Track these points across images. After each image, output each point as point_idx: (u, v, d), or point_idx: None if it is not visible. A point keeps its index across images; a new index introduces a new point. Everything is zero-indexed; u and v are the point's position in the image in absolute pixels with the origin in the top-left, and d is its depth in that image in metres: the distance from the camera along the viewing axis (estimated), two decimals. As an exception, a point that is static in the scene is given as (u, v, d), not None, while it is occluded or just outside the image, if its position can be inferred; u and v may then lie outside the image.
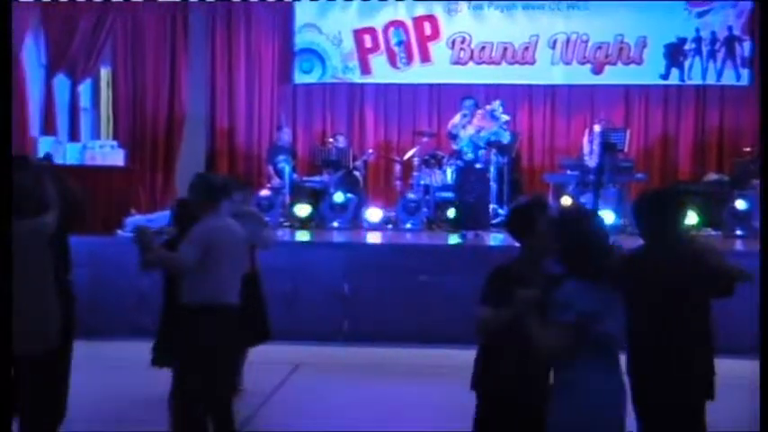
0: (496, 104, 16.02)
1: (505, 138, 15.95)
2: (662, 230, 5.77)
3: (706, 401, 5.76)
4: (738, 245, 14.37)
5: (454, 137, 16.09)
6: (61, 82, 16.14)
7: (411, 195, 15.88)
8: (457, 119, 16.21)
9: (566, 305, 4.84)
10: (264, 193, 16.15)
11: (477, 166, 15.48)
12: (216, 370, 6.96)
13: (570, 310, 4.82)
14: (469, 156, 15.54)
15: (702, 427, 5.75)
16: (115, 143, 15.72)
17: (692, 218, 14.82)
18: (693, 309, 5.70)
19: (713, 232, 15.16)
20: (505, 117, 16.10)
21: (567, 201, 15.13)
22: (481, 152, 15.55)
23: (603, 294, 4.98)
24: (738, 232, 14.85)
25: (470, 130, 15.70)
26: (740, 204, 15.10)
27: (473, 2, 17.96)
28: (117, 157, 15.15)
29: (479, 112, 15.86)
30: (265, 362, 10.52)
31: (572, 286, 4.92)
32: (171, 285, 7.59)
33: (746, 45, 17.63)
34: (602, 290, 4.99)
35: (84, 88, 16.81)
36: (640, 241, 5.94)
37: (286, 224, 15.64)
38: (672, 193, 6.78)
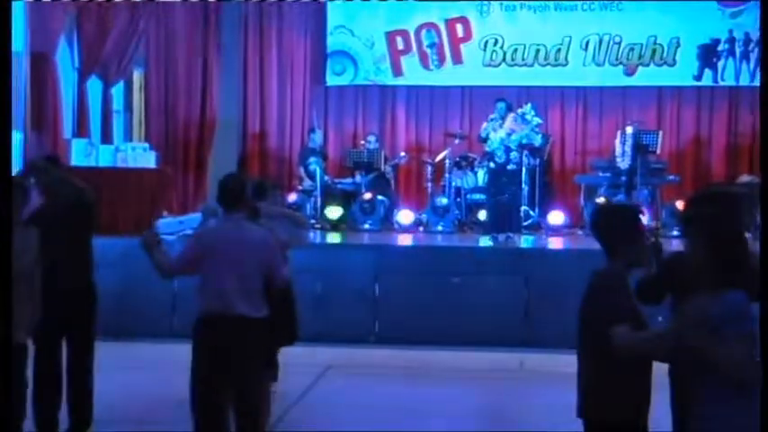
0: (527, 108, 15.94)
1: (537, 140, 15.90)
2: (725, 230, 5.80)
3: None
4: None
5: (485, 139, 16.06)
6: (94, 84, 16.19)
7: (442, 197, 15.87)
8: (488, 122, 16.18)
9: (739, 317, 4.35)
10: (296, 195, 16.20)
11: (509, 168, 15.44)
12: (237, 381, 6.71)
13: (745, 321, 4.35)
14: (501, 158, 15.51)
15: None
16: (147, 145, 15.73)
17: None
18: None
19: (746, 234, 15.03)
20: (537, 120, 16.02)
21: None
22: (513, 154, 15.50)
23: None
24: (770, 235, 14.72)
25: (501, 132, 15.66)
26: (774, 206, 14.98)
27: (505, 3, 17.92)
28: (149, 160, 15.18)
29: (511, 115, 15.80)
30: (296, 363, 10.54)
31: (739, 295, 4.41)
32: None
33: (781, 45, 17.51)
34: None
35: (116, 91, 16.86)
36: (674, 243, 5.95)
37: (317, 226, 15.66)
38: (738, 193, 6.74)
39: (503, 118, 15.86)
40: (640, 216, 5.23)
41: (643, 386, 4.90)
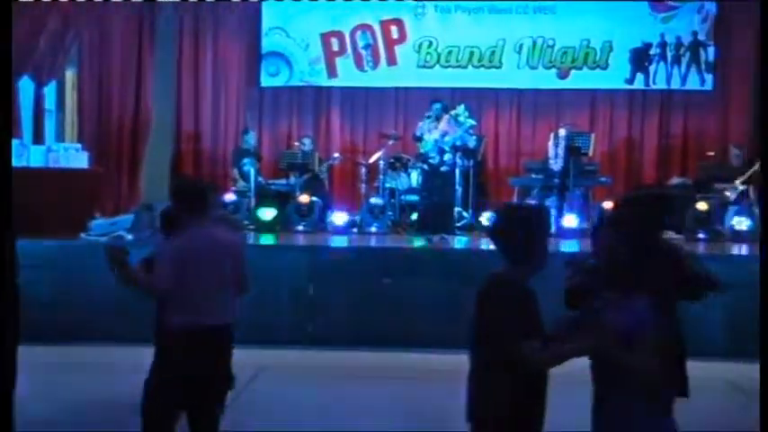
0: (460, 109, 16.04)
1: (471, 142, 15.99)
2: (646, 233, 5.98)
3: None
4: (701, 248, 14.50)
5: (419, 139, 16.13)
6: (26, 84, 16.03)
7: (376, 199, 15.89)
8: (424, 122, 16.25)
9: (647, 324, 4.44)
10: (230, 196, 16.15)
11: (443, 169, 15.53)
12: (211, 389, 6.64)
13: (655, 328, 4.46)
14: (434, 159, 15.59)
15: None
16: (79, 146, 15.61)
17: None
18: (666, 310, 5.89)
19: (676, 235, 15.25)
20: (470, 122, 16.12)
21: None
22: (446, 156, 15.59)
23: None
24: (701, 235, 14.98)
25: (435, 134, 15.74)
26: (703, 207, 15.24)
27: (440, 5, 18.00)
28: (81, 160, 15.05)
29: (445, 116, 15.88)
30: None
31: (646, 302, 4.51)
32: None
33: (711, 50, 17.78)
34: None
35: (48, 90, 16.70)
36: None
37: (251, 227, 15.61)
38: (658, 196, 6.94)
39: (438, 119, 15.94)
40: (546, 217, 5.02)
41: (539, 392, 4.77)
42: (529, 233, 4.74)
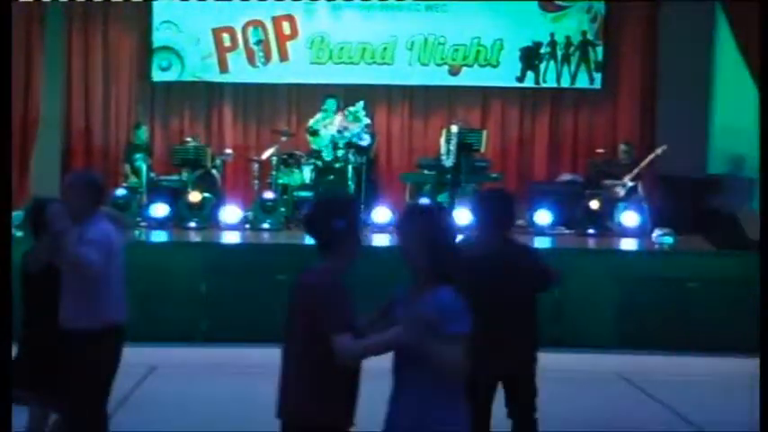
0: (359, 106, 16.08)
1: (366, 139, 16.02)
2: (493, 227, 6.26)
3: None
4: (591, 243, 14.76)
5: (314, 133, 16.13)
6: None
7: (268, 195, 15.82)
8: (318, 117, 16.25)
9: (454, 315, 4.42)
10: (121, 192, 15.96)
11: (338, 166, 15.55)
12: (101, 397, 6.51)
13: (462, 320, 4.44)
14: (329, 156, 15.60)
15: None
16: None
17: (545, 217, 15.14)
18: (516, 300, 6.28)
19: (566, 231, 15.49)
20: (366, 120, 16.18)
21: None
22: (340, 152, 15.62)
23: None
24: (591, 231, 15.24)
25: (332, 129, 15.77)
26: (593, 204, 15.50)
27: (331, 2, 18.00)
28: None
29: (342, 112, 15.92)
30: (122, 364, 10.40)
31: (450, 293, 4.49)
32: (36, 302, 6.77)
33: (599, 49, 18.03)
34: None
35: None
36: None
37: (143, 224, 15.45)
38: (499, 193, 7.21)
39: (333, 113, 15.98)
40: (358, 209, 5.02)
41: (351, 389, 4.75)
42: (341, 225, 4.74)
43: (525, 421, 6.44)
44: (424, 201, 15.16)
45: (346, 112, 15.97)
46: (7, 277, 5.73)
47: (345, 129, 15.73)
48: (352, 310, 4.66)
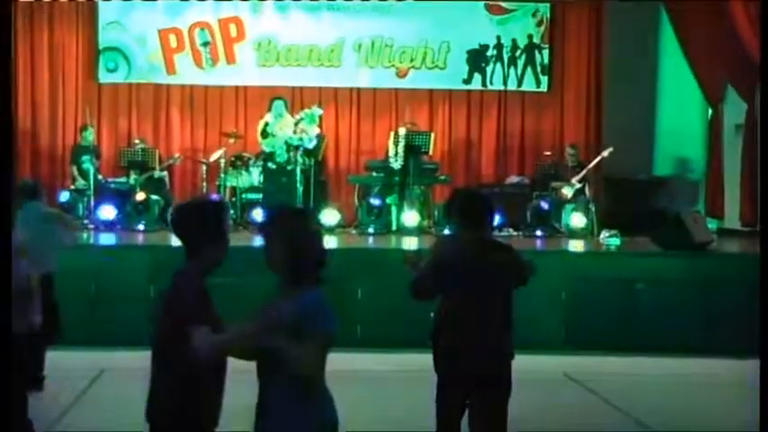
0: (315, 110, 16.09)
1: (313, 141, 15.97)
2: (473, 226, 6.35)
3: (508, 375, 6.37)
4: (539, 244, 14.86)
5: (266, 135, 16.11)
6: None
7: (216, 196, 15.77)
8: (269, 119, 16.21)
9: (315, 316, 4.37)
10: (67, 194, 15.87)
11: (289, 168, 15.54)
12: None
13: (322, 321, 4.39)
14: (282, 157, 15.60)
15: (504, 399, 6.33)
16: None
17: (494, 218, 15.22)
18: (495, 296, 6.36)
19: (514, 232, 15.58)
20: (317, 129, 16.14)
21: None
22: (291, 154, 15.60)
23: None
24: (539, 232, 15.37)
25: (286, 131, 15.76)
26: (541, 205, 15.63)
27: (278, 3, 17.97)
28: None
29: (294, 115, 15.91)
30: (69, 368, 10.38)
31: (315, 296, 4.44)
32: None
33: (545, 53, 18.15)
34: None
35: None
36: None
37: (90, 226, 15.37)
38: (482, 194, 7.39)
39: (282, 116, 15.98)
40: (224, 212, 4.99)
41: (215, 390, 4.76)
42: (200, 227, 4.75)
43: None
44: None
45: (303, 115, 15.94)
46: (7, 277, 5.69)
47: (303, 132, 15.71)
48: (212, 312, 4.66)
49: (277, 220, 4.74)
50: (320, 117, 16.27)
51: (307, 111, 16.07)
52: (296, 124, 15.92)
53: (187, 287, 4.64)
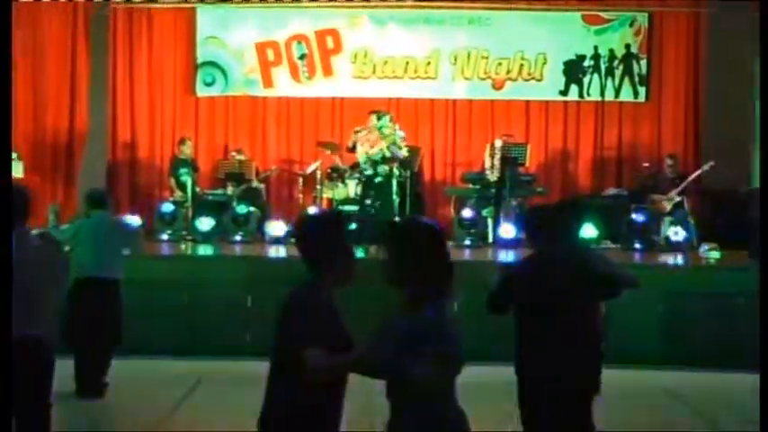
0: (385, 121, 16.02)
1: (402, 152, 15.92)
2: (551, 240, 6.29)
3: (594, 395, 6.17)
4: (636, 257, 14.68)
5: (352, 149, 16.18)
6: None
7: (313, 208, 15.86)
8: (353, 135, 16.27)
9: (436, 336, 4.18)
10: (167, 206, 16.06)
11: (378, 180, 15.54)
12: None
13: (443, 341, 4.19)
14: (368, 171, 15.60)
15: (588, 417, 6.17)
16: (15, 155, 15.46)
17: (591, 231, 15.08)
18: (579, 310, 6.14)
19: (612, 245, 15.42)
20: (400, 133, 16.04)
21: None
22: (380, 167, 15.56)
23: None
24: (637, 245, 15.16)
25: (366, 147, 15.79)
26: (638, 218, 15.44)
27: (374, 16, 18.02)
28: (16, 169, 14.93)
29: (370, 126, 15.91)
30: (167, 377, 10.49)
31: (438, 313, 4.26)
32: None
33: (643, 63, 17.95)
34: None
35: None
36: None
37: (188, 237, 15.54)
38: (560, 208, 7.33)
39: (369, 131, 15.97)
40: (344, 226, 4.86)
41: (331, 406, 4.60)
42: (328, 241, 4.61)
43: None
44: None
45: (371, 127, 15.94)
46: (7, 277, 5.72)
47: (374, 144, 15.71)
48: (334, 329, 4.49)
49: (403, 232, 4.58)
50: (393, 126, 16.13)
51: (377, 123, 15.92)
52: (373, 140, 15.89)
53: (316, 303, 4.50)
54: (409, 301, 4.33)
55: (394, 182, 15.62)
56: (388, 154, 15.66)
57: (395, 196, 15.57)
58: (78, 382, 9.84)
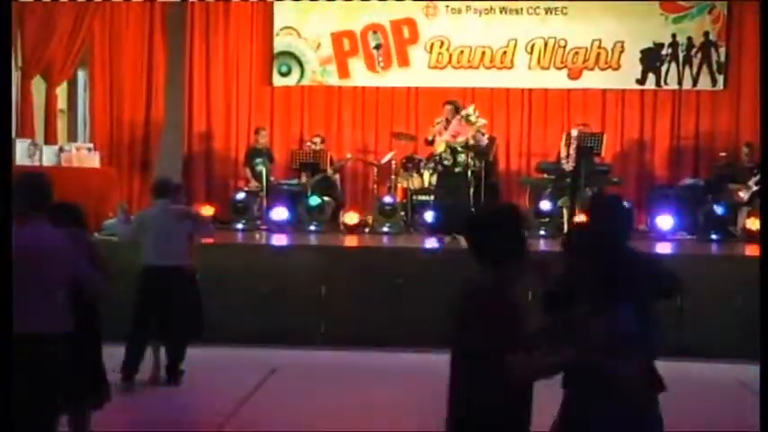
0: (470, 109, 15.98)
1: (483, 141, 15.94)
2: (609, 235, 6.14)
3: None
4: (714, 248, 14.50)
5: (431, 142, 16.12)
6: (37, 84, 16.05)
7: (388, 199, 15.88)
8: (434, 124, 16.22)
9: (632, 332, 4.22)
10: (241, 195, 16.17)
11: (457, 170, 15.50)
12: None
13: (644, 336, 4.26)
14: (448, 161, 15.56)
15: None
16: (91, 146, 15.67)
17: (667, 222, 14.93)
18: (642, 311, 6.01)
19: (688, 236, 15.25)
20: (482, 121, 16.06)
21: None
22: (460, 157, 15.54)
23: None
24: (713, 236, 14.96)
25: (447, 135, 15.73)
26: (717, 209, 15.24)
27: (451, 5, 17.96)
28: (93, 160, 15.11)
29: (456, 117, 15.84)
30: (242, 365, 10.57)
31: (630, 310, 4.28)
32: None
33: (722, 51, 17.70)
34: None
35: (60, 91, 16.72)
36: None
37: (263, 227, 15.64)
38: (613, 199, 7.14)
39: (448, 120, 15.90)
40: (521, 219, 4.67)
41: (525, 397, 4.47)
42: (507, 235, 4.47)
43: None
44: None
45: (460, 117, 15.88)
46: (8, 276, 5.63)
47: (458, 134, 15.65)
48: (521, 328, 4.37)
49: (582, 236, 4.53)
50: (477, 115, 16.06)
51: (463, 112, 15.86)
52: (455, 127, 15.84)
53: (511, 303, 4.38)
54: (599, 301, 4.30)
55: (470, 172, 15.57)
56: (471, 142, 15.63)
57: (471, 186, 15.53)
58: (154, 370, 10.00)
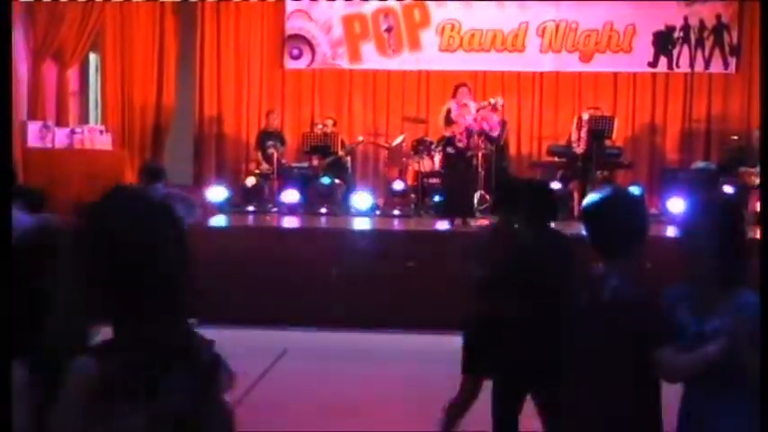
0: (500, 98, 15.89)
1: (496, 132, 15.85)
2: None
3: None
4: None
5: (448, 121, 16.05)
6: (49, 67, 16.07)
7: (398, 181, 15.88)
8: (452, 105, 16.12)
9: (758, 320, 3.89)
10: (252, 178, 16.20)
11: (469, 154, 15.47)
12: None
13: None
14: (462, 143, 15.53)
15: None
16: (103, 128, 15.70)
17: (679, 204, 14.90)
18: None
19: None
20: (500, 100, 15.95)
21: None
22: (473, 139, 15.49)
23: None
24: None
25: (468, 118, 15.66)
26: (727, 191, 15.19)
27: (462, -12, 17.94)
28: (105, 143, 15.15)
29: (485, 104, 15.73)
30: (253, 347, 10.59)
31: (754, 296, 3.98)
32: None
33: (734, 33, 17.65)
34: None
35: (72, 73, 16.74)
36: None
37: (274, 210, 15.66)
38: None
39: (464, 104, 15.84)
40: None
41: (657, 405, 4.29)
42: (634, 223, 4.28)
43: None
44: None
45: (488, 103, 15.79)
46: (7, 275, 5.57)
47: (484, 120, 15.58)
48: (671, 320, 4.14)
49: (709, 212, 4.19)
50: (502, 106, 16.07)
51: (492, 100, 15.84)
52: (477, 111, 15.80)
53: (654, 298, 4.17)
54: (719, 288, 4.06)
55: (479, 155, 15.55)
56: (486, 127, 15.59)
57: (480, 170, 15.52)
58: None
